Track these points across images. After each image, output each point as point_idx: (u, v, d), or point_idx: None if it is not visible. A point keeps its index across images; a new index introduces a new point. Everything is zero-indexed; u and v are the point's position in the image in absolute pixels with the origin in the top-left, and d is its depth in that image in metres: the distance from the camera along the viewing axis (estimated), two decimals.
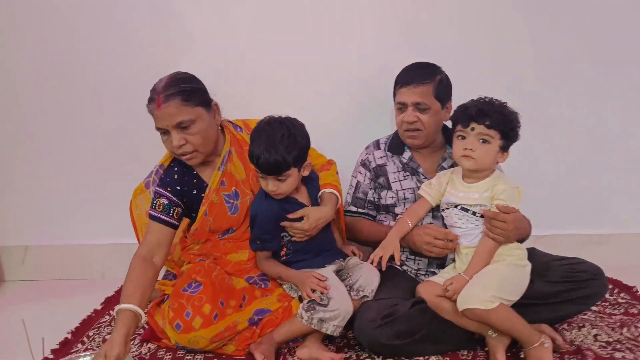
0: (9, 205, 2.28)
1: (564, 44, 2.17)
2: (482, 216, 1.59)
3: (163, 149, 2.16)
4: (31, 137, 2.22)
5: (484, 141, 1.56)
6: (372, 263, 1.62)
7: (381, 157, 1.89)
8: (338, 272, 1.71)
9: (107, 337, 1.76)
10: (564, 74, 2.20)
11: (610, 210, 2.34)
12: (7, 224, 2.30)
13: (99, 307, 2.00)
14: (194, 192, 1.71)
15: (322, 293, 1.55)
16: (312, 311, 1.54)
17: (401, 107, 1.78)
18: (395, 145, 1.89)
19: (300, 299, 1.65)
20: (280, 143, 1.54)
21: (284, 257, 1.73)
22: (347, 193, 1.95)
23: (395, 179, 1.85)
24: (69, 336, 1.77)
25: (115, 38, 2.12)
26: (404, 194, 1.83)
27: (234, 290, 1.68)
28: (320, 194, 1.75)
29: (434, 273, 1.75)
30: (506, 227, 1.54)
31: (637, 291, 2.07)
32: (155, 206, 1.65)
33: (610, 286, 2.11)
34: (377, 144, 1.93)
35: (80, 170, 2.25)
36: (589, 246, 2.31)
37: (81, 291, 2.20)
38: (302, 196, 1.72)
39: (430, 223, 1.76)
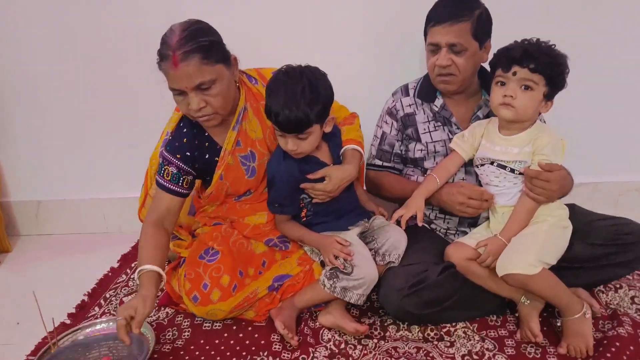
0: (20, 160, 2.19)
1: None
2: (521, 174, 1.45)
3: None
4: (43, 90, 2.08)
5: (527, 87, 1.38)
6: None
7: (410, 105, 1.71)
8: (362, 234, 1.60)
9: (124, 299, 1.72)
10: (605, 12, 1.93)
11: None
12: (19, 179, 2.22)
13: (116, 265, 1.96)
14: (207, 156, 1.56)
15: (345, 260, 1.46)
16: (334, 279, 1.46)
17: (434, 48, 1.56)
18: (426, 90, 1.69)
19: (322, 264, 1.56)
20: (302, 97, 1.37)
21: (304, 219, 1.62)
22: (372, 145, 1.79)
23: (425, 129, 1.68)
24: (86, 298, 1.74)
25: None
26: (434, 146, 1.67)
27: (253, 256, 1.59)
28: (342, 150, 1.60)
29: (464, 233, 1.64)
30: (550, 186, 1.40)
31: None
32: (163, 174, 1.50)
33: None
34: (405, 90, 1.74)
35: (93, 124, 2.13)
36: (630, 193, 2.16)
37: (97, 246, 2.16)
38: (323, 154, 1.57)
39: (463, 179, 1.62)
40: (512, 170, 1.46)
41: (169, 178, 1.49)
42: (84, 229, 2.26)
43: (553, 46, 1.40)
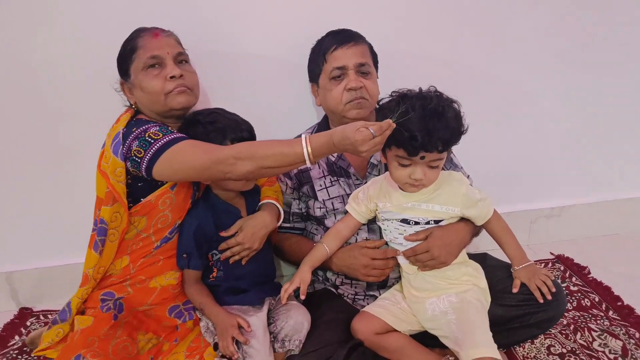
0: None
1: None
2: (428, 223, 1.34)
3: (72, 158, 1.72)
4: None
5: (434, 167, 1.26)
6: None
7: None
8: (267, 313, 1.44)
9: None
10: (510, 41, 1.87)
11: (560, 182, 2.13)
12: None
13: None
14: None
15: (238, 348, 1.30)
16: None
17: (339, 73, 1.44)
18: None
19: (216, 346, 1.37)
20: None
21: (213, 279, 1.45)
22: None
23: (321, 186, 1.53)
24: None
25: None
26: (332, 203, 1.52)
27: (139, 359, 1.36)
28: (259, 205, 1.48)
29: (374, 297, 1.50)
30: (432, 254, 1.31)
31: (588, 273, 1.93)
32: (160, 132, 1.29)
33: (561, 268, 1.97)
34: None
35: None
36: (540, 220, 2.13)
37: None
38: (241, 209, 1.47)
39: (367, 239, 1.47)
40: (417, 224, 1.34)
41: (165, 132, 1.30)
42: None
43: (453, 105, 1.24)
